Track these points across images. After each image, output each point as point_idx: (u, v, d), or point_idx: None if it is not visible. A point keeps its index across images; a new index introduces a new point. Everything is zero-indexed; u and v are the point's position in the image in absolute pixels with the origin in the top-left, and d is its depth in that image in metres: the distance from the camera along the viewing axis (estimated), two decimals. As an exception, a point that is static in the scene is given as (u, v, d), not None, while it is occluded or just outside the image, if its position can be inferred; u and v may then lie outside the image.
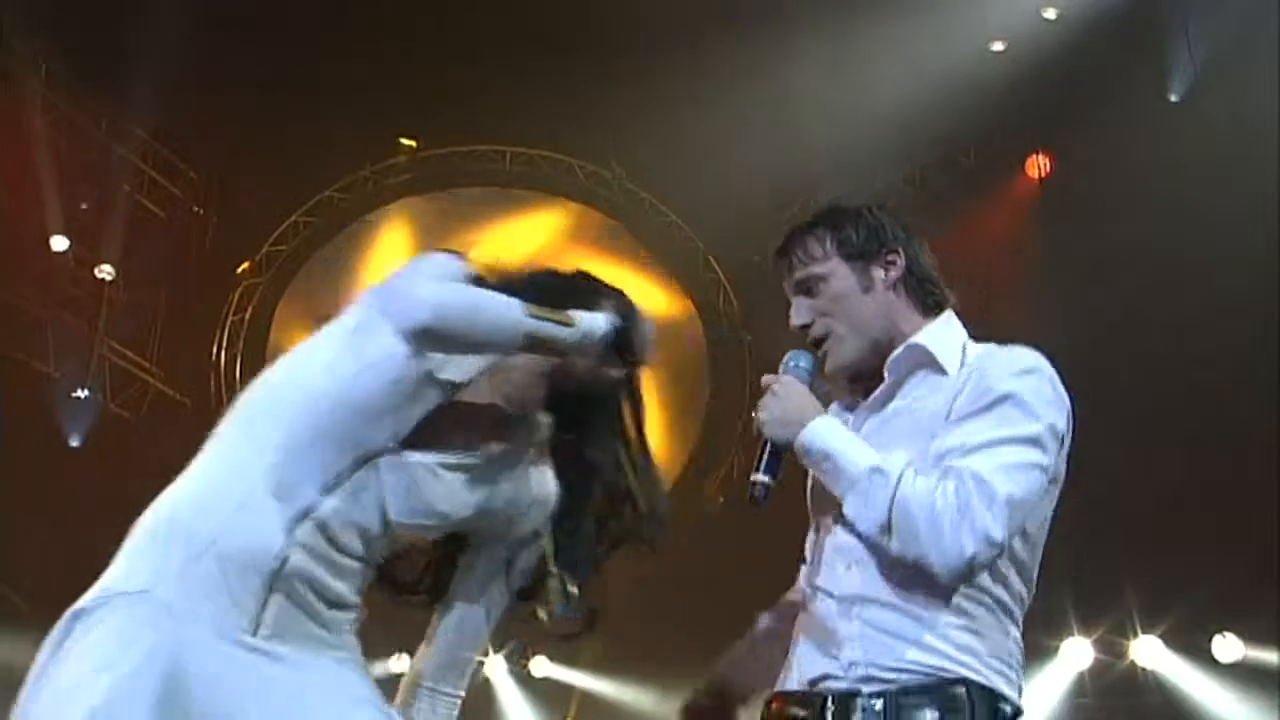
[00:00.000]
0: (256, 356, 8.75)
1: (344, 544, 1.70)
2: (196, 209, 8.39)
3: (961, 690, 1.77)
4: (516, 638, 8.69)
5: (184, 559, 1.60)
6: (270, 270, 8.85)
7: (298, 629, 1.67)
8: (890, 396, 1.87)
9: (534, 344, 1.66)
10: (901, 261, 1.92)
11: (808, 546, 2.01)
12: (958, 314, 1.97)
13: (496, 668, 8.72)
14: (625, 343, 1.72)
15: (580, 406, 1.83)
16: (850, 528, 1.83)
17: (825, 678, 1.83)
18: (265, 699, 1.60)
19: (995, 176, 8.12)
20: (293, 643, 1.66)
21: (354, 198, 9.00)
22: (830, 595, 1.86)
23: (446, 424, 1.73)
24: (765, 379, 1.90)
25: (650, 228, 9.21)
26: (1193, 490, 6.58)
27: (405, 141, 8.91)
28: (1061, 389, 1.86)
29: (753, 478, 1.84)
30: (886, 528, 1.74)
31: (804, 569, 1.99)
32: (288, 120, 7.79)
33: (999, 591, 1.87)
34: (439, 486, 1.74)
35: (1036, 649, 7.84)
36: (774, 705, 1.93)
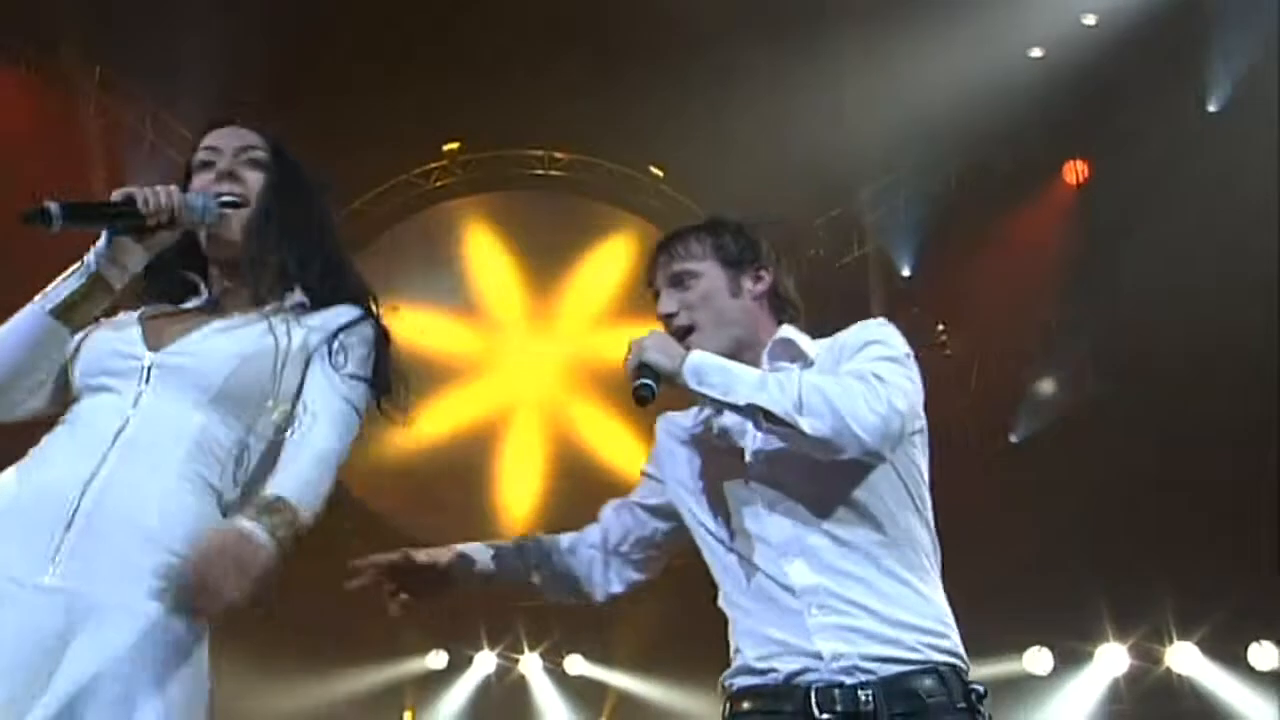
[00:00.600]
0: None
1: None
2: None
3: (943, 670, 1.89)
4: (551, 636, 8.74)
5: None
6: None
7: None
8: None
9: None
10: (769, 278, 2.07)
11: (713, 547, 2.08)
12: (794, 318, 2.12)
13: (531, 665, 8.75)
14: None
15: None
16: (782, 518, 1.96)
17: (804, 671, 1.89)
18: None
19: (1033, 182, 8.05)
20: None
21: (398, 199, 9.05)
22: (787, 589, 1.93)
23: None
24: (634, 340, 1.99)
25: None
26: (1230, 496, 6.48)
27: (449, 147, 8.95)
28: (886, 322, 2.05)
29: (639, 382, 1.91)
30: (799, 407, 1.83)
31: (729, 563, 2.04)
32: (333, 121, 7.84)
33: (929, 551, 2.00)
34: None
35: (1072, 655, 7.77)
36: (744, 704, 1.97)
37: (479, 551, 2.26)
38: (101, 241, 1.80)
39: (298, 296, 1.89)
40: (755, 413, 1.87)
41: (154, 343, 1.80)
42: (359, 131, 8.04)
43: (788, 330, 2.07)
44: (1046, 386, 8.29)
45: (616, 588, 2.29)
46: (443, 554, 2.21)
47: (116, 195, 1.77)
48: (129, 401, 1.75)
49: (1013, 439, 8.33)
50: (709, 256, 2.07)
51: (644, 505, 2.27)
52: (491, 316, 9.39)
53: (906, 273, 8.64)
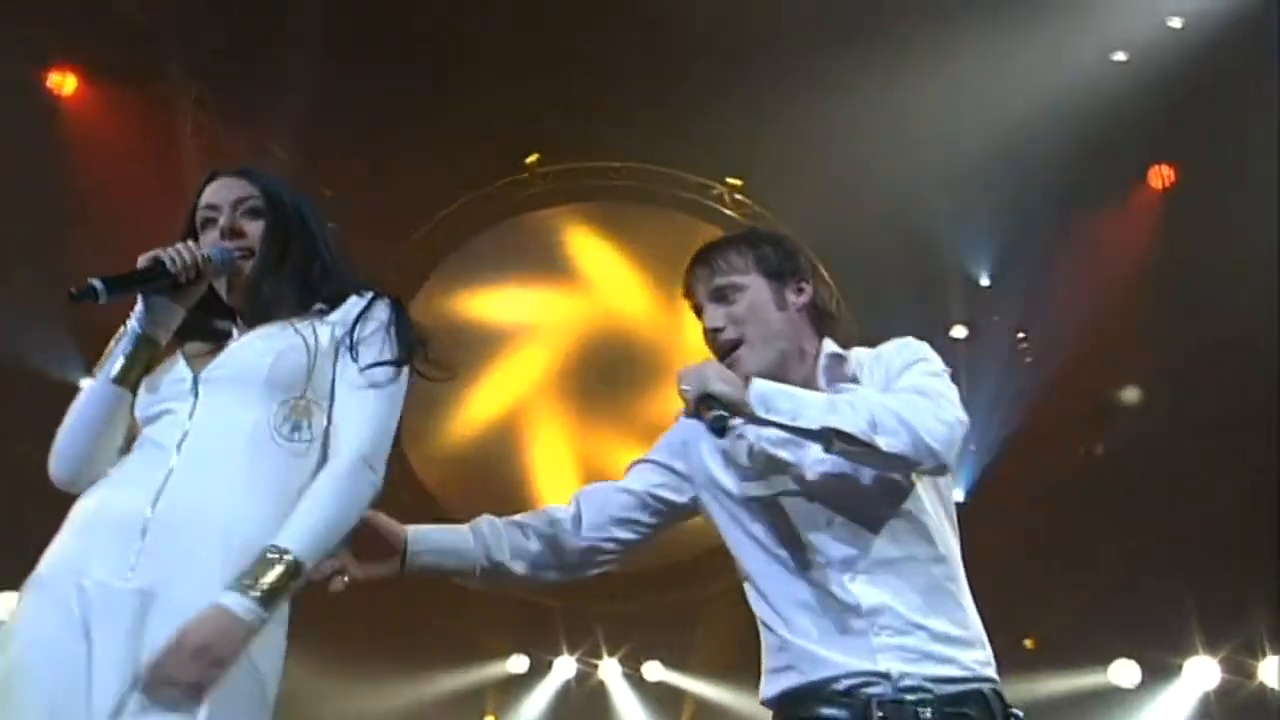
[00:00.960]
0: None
1: None
2: (331, 225, 8.60)
3: (988, 690, 1.95)
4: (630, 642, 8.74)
5: None
6: (398, 281, 9.06)
7: None
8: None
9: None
10: (810, 290, 2.09)
11: (757, 557, 2.08)
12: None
13: (610, 671, 8.75)
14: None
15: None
16: (845, 535, 1.98)
17: (866, 685, 1.92)
18: None
19: (1116, 188, 7.88)
20: None
21: (478, 211, 9.14)
22: (850, 607, 1.95)
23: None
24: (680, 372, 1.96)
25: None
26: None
27: (530, 160, 9.02)
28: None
29: (714, 413, 1.87)
30: (874, 426, 1.84)
31: (775, 575, 2.05)
32: (414, 138, 7.96)
33: (961, 567, 2.05)
34: None
35: (1160, 667, 7.57)
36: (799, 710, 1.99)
37: (437, 535, 2.22)
38: (140, 307, 1.97)
39: (316, 307, 2.05)
40: (829, 435, 1.86)
41: (198, 365, 1.97)
42: (441, 145, 8.16)
43: (832, 344, 2.07)
44: (1131, 395, 8.10)
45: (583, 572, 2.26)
46: (398, 530, 2.18)
47: (143, 260, 1.94)
48: (185, 416, 1.90)
49: (1097, 449, 8.14)
50: (752, 269, 2.06)
51: (653, 494, 2.21)
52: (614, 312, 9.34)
53: (985, 281, 8.50)
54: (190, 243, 1.98)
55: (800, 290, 2.08)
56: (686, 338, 9.02)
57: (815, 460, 1.99)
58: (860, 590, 1.95)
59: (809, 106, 7.45)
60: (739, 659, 8.22)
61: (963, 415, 1.91)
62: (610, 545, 2.22)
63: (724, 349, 2.02)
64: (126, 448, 1.98)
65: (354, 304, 2.04)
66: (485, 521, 2.24)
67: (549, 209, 9.21)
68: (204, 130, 7.63)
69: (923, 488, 2.01)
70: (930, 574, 1.98)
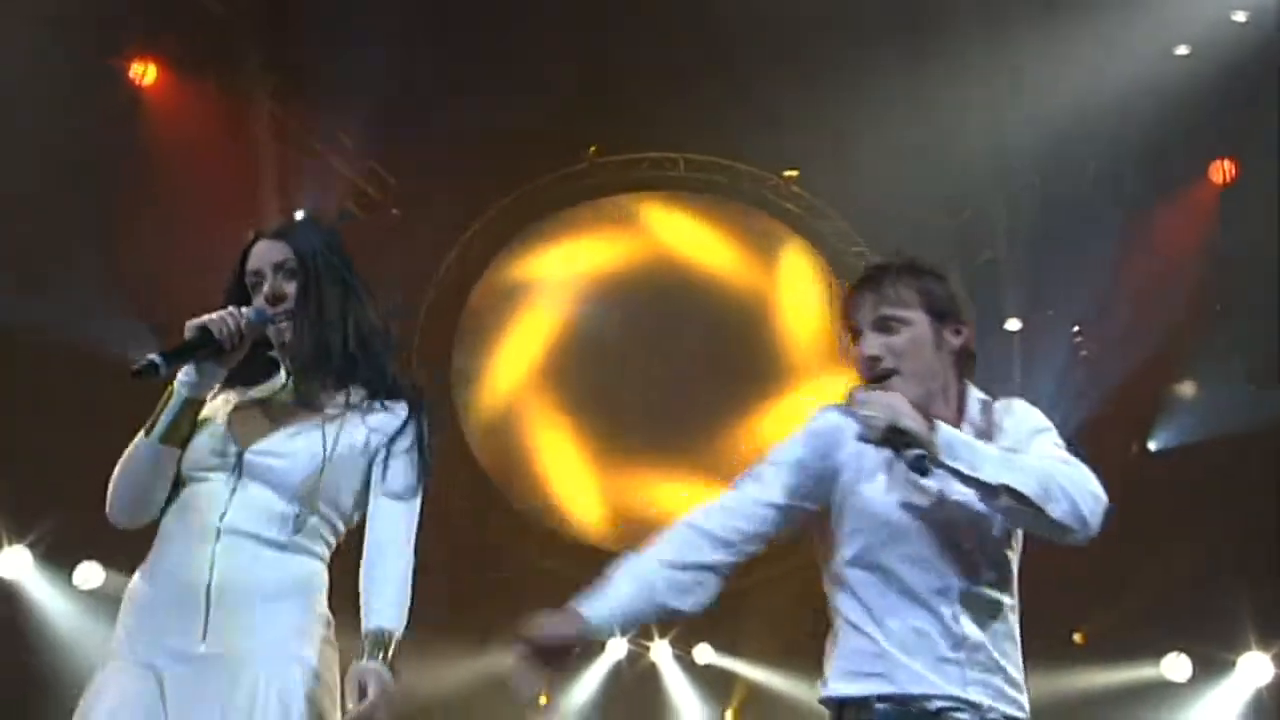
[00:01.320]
0: (443, 346, 9.06)
1: None
2: (394, 211, 8.71)
3: None
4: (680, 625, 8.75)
5: None
6: (459, 270, 9.15)
7: None
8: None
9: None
10: (967, 334, 2.09)
11: (860, 573, 2.10)
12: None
13: (661, 653, 8.77)
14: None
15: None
16: (964, 570, 2.02)
17: (956, 710, 1.99)
18: None
19: (1176, 183, 7.72)
20: None
21: (537, 200, 9.19)
22: (956, 639, 2.01)
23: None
24: (860, 394, 2.03)
25: (820, 232, 9.10)
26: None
27: (590, 151, 9.05)
28: None
29: (915, 452, 1.92)
30: (1046, 491, 1.91)
31: (888, 591, 2.07)
32: (477, 129, 8.02)
33: None
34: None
35: (1212, 663, 7.44)
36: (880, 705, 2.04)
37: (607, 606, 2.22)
38: (189, 374, 2.17)
39: (358, 393, 2.27)
40: (1000, 491, 1.91)
41: (244, 439, 2.18)
42: (502, 136, 8.22)
43: (977, 391, 2.12)
44: (1187, 390, 7.96)
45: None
46: (570, 627, 2.19)
47: (191, 331, 2.13)
48: (227, 491, 2.15)
49: (1151, 446, 8.01)
50: (918, 305, 2.05)
51: (794, 506, 2.17)
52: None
53: (1041, 275, 8.38)
54: (233, 310, 2.19)
55: (958, 332, 2.09)
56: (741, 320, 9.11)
57: (957, 494, 2.01)
58: (968, 626, 2.01)
59: (867, 97, 7.39)
60: (787, 644, 8.22)
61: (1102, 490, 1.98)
62: (745, 560, 2.25)
63: (876, 378, 2.03)
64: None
65: (394, 416, 2.28)
66: (645, 570, 2.22)
67: (608, 198, 9.21)
68: (278, 120, 7.74)
69: (1016, 539, 2.09)
70: (1010, 621, 2.08)
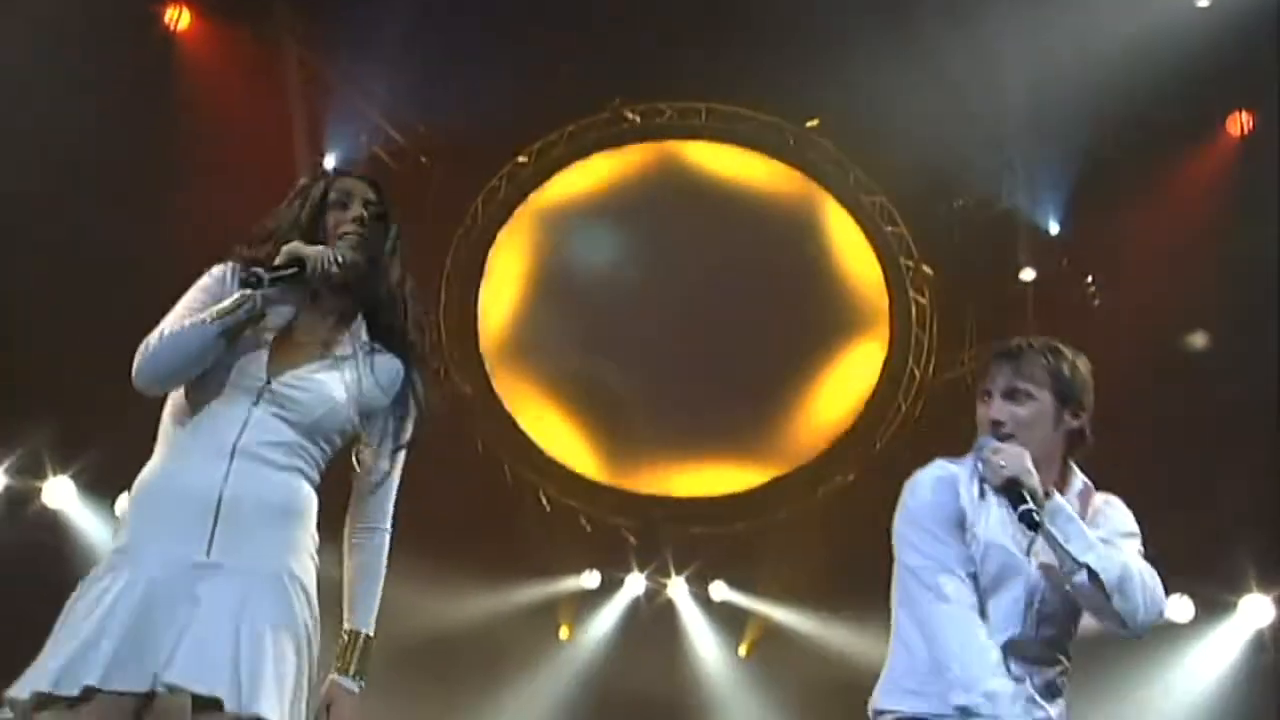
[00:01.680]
0: (470, 294, 9.08)
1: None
2: (423, 159, 8.69)
3: None
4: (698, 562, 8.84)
5: None
6: (484, 215, 9.14)
7: None
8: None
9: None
10: (1084, 419, 2.28)
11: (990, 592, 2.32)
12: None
13: (678, 589, 8.86)
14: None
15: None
16: (1018, 619, 2.26)
17: None
18: None
19: (1193, 134, 7.62)
20: None
21: (562, 150, 9.15)
22: (1035, 673, 2.27)
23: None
24: (991, 442, 2.27)
25: (841, 181, 9.04)
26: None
27: (615, 104, 8.98)
28: None
29: (1028, 507, 2.17)
30: (1119, 585, 2.18)
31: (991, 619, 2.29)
32: (505, 78, 7.97)
33: None
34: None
35: (1214, 605, 7.47)
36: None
37: None
38: (270, 291, 2.22)
39: (364, 337, 2.37)
40: (1083, 568, 2.16)
41: (274, 369, 2.26)
42: (526, 86, 8.17)
43: (1080, 475, 2.32)
44: (1198, 340, 7.91)
45: None
46: None
47: (289, 256, 2.23)
48: (245, 414, 2.22)
49: (1162, 392, 7.97)
50: (1047, 385, 2.24)
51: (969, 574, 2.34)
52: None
53: (1056, 225, 8.32)
54: (328, 252, 2.27)
55: (1076, 416, 2.28)
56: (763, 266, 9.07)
57: (1047, 554, 2.25)
58: (1015, 668, 2.26)
59: (888, 48, 7.29)
60: (799, 582, 8.30)
61: (1166, 607, 2.30)
62: None
63: (997, 438, 2.24)
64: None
65: (396, 371, 2.40)
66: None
67: (633, 144, 9.15)
68: (307, 66, 7.71)
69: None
70: (1054, 672, 2.35)
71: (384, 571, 2.41)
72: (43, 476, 7.49)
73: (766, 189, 9.18)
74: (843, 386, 8.95)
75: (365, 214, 2.37)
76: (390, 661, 7.71)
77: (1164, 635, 7.40)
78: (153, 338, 2.23)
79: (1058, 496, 2.18)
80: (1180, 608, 7.44)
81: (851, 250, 9.06)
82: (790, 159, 9.09)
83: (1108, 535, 2.24)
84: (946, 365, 8.66)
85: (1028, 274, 8.38)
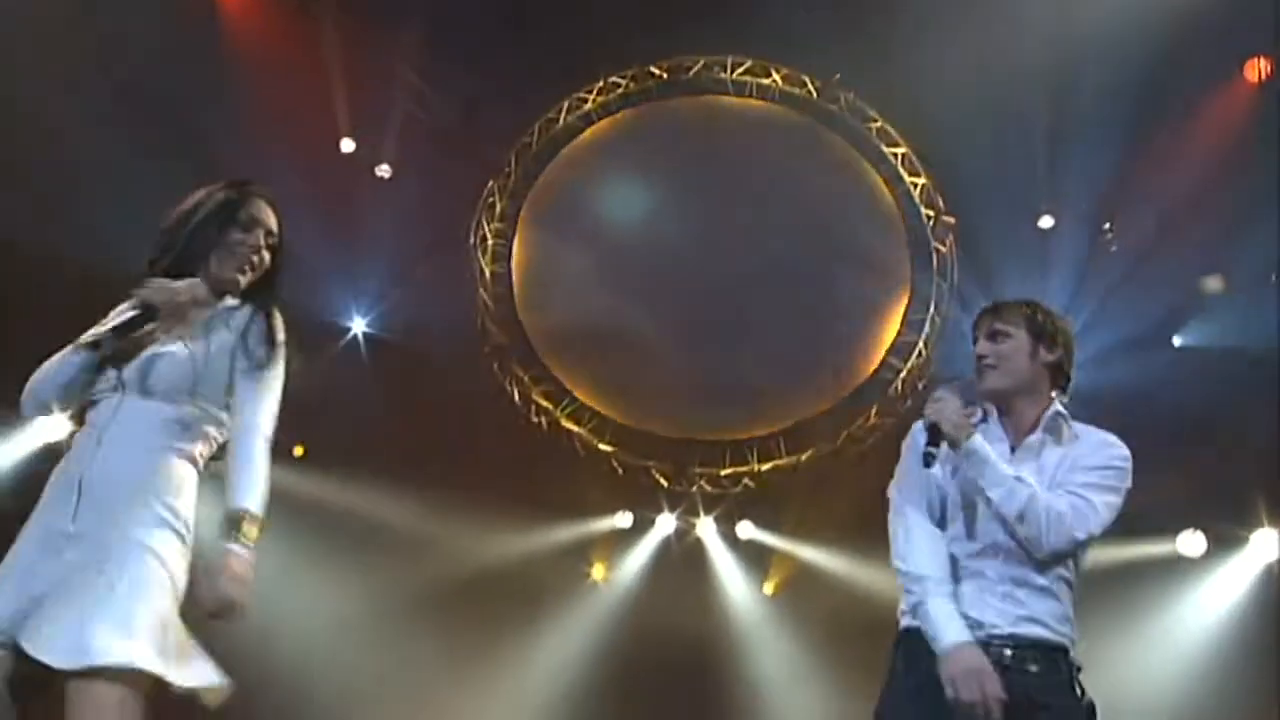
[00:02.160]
0: (504, 247, 9.10)
1: None
2: (457, 116, 8.68)
3: (1060, 654, 2.57)
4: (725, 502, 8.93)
5: None
6: (518, 170, 9.13)
7: None
8: (1041, 448, 2.60)
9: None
10: (1059, 354, 2.61)
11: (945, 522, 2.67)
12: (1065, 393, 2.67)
13: (707, 529, 8.94)
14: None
15: None
16: (995, 526, 2.56)
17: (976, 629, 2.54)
18: None
19: (1213, 80, 7.49)
20: None
21: (592, 105, 9.12)
22: (994, 570, 2.57)
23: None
24: (937, 393, 2.61)
25: (864, 135, 8.97)
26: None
27: (654, 68, 8.92)
28: (1128, 456, 2.62)
29: (929, 449, 2.54)
30: (1020, 517, 2.48)
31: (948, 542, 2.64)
32: (537, 36, 7.94)
33: (1072, 575, 2.65)
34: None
35: (1225, 540, 7.48)
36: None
37: None
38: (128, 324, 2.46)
39: (229, 302, 2.57)
40: (989, 499, 2.50)
41: (121, 361, 2.45)
42: (553, 46, 8.14)
43: (1059, 404, 2.59)
44: (1214, 285, 7.84)
45: None
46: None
47: (134, 304, 2.47)
48: (112, 407, 2.44)
49: (1176, 341, 7.94)
50: (1023, 326, 2.61)
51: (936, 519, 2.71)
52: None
53: (1075, 172, 8.23)
54: (187, 293, 2.51)
55: (1051, 351, 2.61)
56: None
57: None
58: (996, 565, 2.63)
59: (906, 6, 7.20)
60: (823, 523, 8.37)
61: (1086, 535, 2.49)
62: None
63: (981, 367, 2.60)
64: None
65: (244, 313, 2.56)
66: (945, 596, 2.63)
67: (661, 101, 9.11)
68: (343, 27, 7.71)
69: None
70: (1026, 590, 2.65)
71: (260, 461, 2.45)
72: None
73: (791, 142, 9.12)
74: (866, 332, 8.96)
75: (262, 244, 2.59)
76: (434, 600, 7.94)
77: (1176, 569, 7.43)
78: (44, 374, 2.48)
79: (976, 440, 2.50)
80: (1192, 542, 7.44)
81: (874, 200, 9.02)
82: (814, 112, 9.03)
83: (1072, 464, 2.55)
84: (966, 312, 8.64)
85: (1046, 221, 8.31)
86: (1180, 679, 6.99)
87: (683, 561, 8.94)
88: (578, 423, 9.12)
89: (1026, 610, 2.53)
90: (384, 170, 8.58)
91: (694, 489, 8.98)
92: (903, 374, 8.76)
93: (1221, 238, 7.49)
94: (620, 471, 9.08)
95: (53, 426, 7.28)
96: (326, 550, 7.98)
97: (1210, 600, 7.35)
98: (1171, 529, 7.45)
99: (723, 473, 9.04)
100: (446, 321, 8.82)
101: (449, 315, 8.85)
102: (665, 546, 8.98)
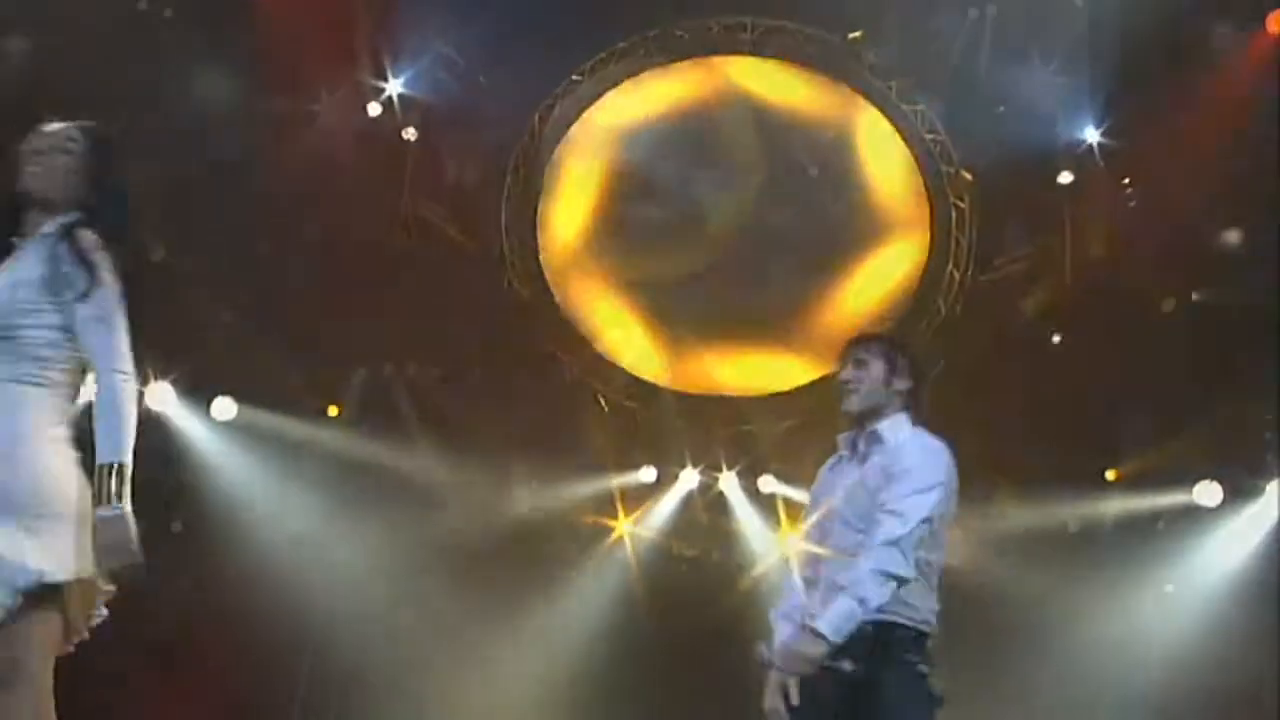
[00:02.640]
0: (529, 206, 9.04)
1: None
2: (482, 79, 8.63)
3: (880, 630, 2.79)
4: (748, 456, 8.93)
5: None
6: (542, 131, 9.06)
7: None
8: (866, 457, 2.90)
9: None
10: (908, 384, 2.92)
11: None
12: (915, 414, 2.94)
13: (729, 483, 8.95)
14: None
15: None
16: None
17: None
18: None
19: (1234, 33, 7.29)
20: None
21: (614, 68, 9.02)
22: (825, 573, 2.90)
23: None
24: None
25: (882, 93, 8.82)
26: None
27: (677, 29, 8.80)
28: (945, 458, 2.84)
29: (840, 665, 2.73)
30: (864, 603, 2.73)
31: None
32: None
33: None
34: None
35: (1241, 490, 7.40)
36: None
37: None
38: None
39: (48, 228, 2.43)
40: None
41: None
42: (577, 8, 8.05)
43: (885, 423, 2.87)
44: (1232, 238, 7.70)
45: None
46: None
47: None
48: None
49: (1195, 297, 7.82)
50: (879, 357, 2.91)
51: None
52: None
53: (1094, 128, 8.09)
54: None
55: (902, 380, 2.93)
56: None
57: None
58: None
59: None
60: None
61: (905, 569, 2.68)
62: None
63: (845, 391, 2.90)
64: None
65: (54, 239, 2.42)
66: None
67: (683, 61, 8.99)
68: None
69: None
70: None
71: (124, 407, 2.36)
72: (145, 382, 7.76)
73: (810, 99, 8.99)
74: (886, 289, 8.87)
75: (46, 149, 2.48)
76: (459, 553, 8.01)
77: (1193, 518, 7.37)
78: None
79: (824, 626, 2.70)
80: (1209, 492, 7.38)
81: (894, 157, 8.90)
82: (833, 71, 8.89)
83: (883, 469, 2.81)
84: (984, 268, 8.53)
85: (1065, 178, 8.18)
86: (1196, 627, 6.95)
87: (706, 514, 8.95)
88: (604, 380, 9.12)
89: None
90: (410, 134, 8.57)
91: (717, 444, 8.98)
92: (922, 330, 8.70)
93: (1241, 191, 7.33)
94: (645, 427, 9.10)
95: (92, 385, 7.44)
96: (359, 505, 8.04)
97: (1227, 550, 7.29)
98: (1189, 480, 7.39)
99: (745, 428, 9.02)
100: (471, 271, 8.82)
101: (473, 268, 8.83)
102: (689, 499, 8.99)
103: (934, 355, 7.87)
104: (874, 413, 2.93)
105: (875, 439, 2.90)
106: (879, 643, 2.74)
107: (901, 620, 2.78)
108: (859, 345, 3.02)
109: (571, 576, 8.59)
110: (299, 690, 7.81)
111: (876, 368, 2.95)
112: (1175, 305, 7.63)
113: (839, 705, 2.70)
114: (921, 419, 2.94)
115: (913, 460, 2.80)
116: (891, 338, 3.17)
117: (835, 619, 2.63)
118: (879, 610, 2.69)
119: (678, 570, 8.54)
